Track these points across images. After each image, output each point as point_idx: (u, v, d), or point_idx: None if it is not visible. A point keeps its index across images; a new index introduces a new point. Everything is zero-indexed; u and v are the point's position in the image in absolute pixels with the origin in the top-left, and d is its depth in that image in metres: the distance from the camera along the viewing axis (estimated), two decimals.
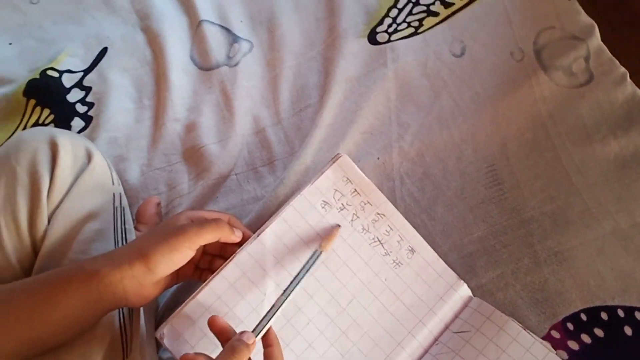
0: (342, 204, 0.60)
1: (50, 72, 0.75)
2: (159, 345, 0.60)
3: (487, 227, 0.64)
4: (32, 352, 0.53)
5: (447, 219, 0.65)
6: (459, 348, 0.57)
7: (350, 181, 0.60)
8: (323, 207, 0.60)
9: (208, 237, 0.53)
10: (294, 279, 0.53)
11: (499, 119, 0.69)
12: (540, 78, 0.70)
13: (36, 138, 0.56)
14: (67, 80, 0.75)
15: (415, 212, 0.65)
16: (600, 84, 0.69)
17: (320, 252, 0.55)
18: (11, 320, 0.50)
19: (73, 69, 0.76)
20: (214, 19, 0.78)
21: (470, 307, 0.59)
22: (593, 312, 0.59)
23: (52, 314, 0.51)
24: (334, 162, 0.60)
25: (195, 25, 0.78)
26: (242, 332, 0.49)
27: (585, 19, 0.73)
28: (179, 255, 0.52)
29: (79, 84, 0.74)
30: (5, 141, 0.70)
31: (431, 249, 0.59)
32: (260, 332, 0.49)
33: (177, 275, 0.57)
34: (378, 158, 0.68)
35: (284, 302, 0.51)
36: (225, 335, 0.50)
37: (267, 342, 0.50)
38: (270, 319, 0.50)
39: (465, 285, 0.59)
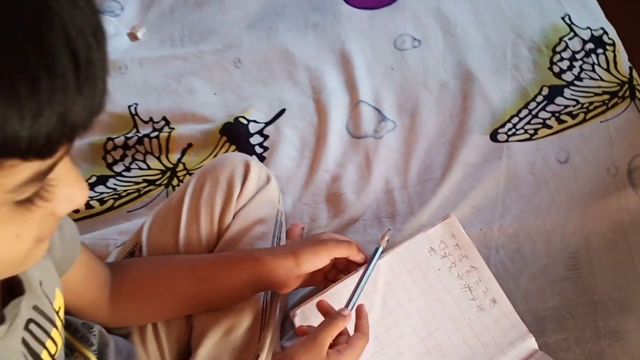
0: (445, 252, 0.77)
1: (241, 119, 0.99)
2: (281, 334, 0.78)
3: (561, 300, 0.77)
4: (201, 307, 0.73)
5: (529, 287, 0.79)
6: None
7: (454, 237, 0.77)
8: (429, 252, 0.77)
9: (341, 251, 0.72)
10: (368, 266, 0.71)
11: (587, 218, 0.83)
12: (628, 192, 0.84)
13: (236, 159, 0.78)
14: (252, 128, 0.98)
15: (503, 277, 0.80)
16: None
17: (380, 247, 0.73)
18: (196, 277, 0.71)
19: (258, 120, 0.99)
20: (370, 101, 1.00)
21: (535, 357, 0.72)
22: None
23: (224, 281, 0.71)
24: (444, 220, 0.78)
25: (355, 103, 1.00)
26: (340, 309, 0.66)
27: None
28: (319, 259, 0.71)
29: (260, 132, 0.98)
30: (202, 162, 0.94)
31: (510, 305, 0.74)
32: (353, 306, 0.66)
33: (311, 278, 0.75)
34: (481, 229, 0.84)
35: (365, 283, 0.69)
36: (328, 314, 0.68)
37: (359, 314, 0.67)
38: (359, 295, 0.67)
39: (533, 339, 0.73)
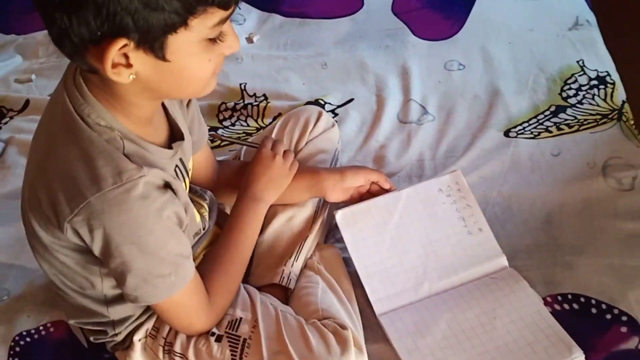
0: (449, 193, 1.06)
1: (320, 100, 1.34)
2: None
3: (533, 240, 1.05)
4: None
5: (512, 231, 1.07)
6: (478, 295, 0.97)
7: (457, 184, 1.07)
8: (438, 191, 1.07)
9: (375, 176, 1.04)
10: None
11: (565, 192, 1.10)
12: (599, 180, 1.11)
13: (314, 108, 1.13)
14: (327, 107, 1.33)
15: (494, 223, 1.06)
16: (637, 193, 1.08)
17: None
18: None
19: (332, 103, 1.34)
20: (418, 100, 1.33)
21: (504, 271, 0.99)
22: None
23: (292, 183, 1.02)
24: (452, 172, 1.08)
25: (407, 100, 1.33)
26: None
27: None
28: (359, 177, 1.03)
29: (332, 111, 1.32)
30: None
31: (492, 234, 1.02)
32: None
33: (352, 197, 1.06)
34: (484, 191, 1.13)
35: None
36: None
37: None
38: None
39: (505, 258, 1.00)
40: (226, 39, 0.70)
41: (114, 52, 0.62)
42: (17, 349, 1.00)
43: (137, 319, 0.90)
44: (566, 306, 0.96)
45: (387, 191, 1.07)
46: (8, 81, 1.55)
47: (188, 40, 0.65)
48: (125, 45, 0.62)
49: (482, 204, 1.10)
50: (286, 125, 1.10)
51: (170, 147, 0.81)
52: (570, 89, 1.30)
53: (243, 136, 1.31)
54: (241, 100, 1.39)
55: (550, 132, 1.22)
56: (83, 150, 0.71)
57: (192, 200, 0.92)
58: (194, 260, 0.86)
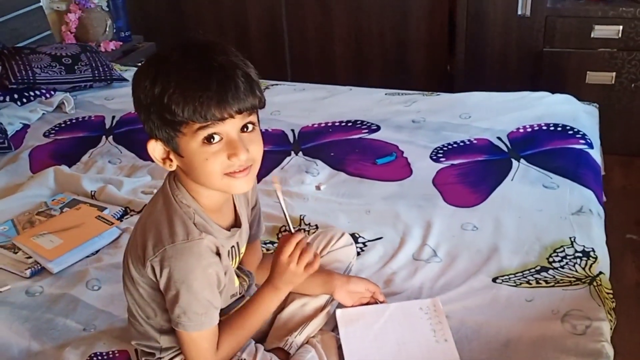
0: (428, 312, 1.38)
1: (356, 234, 1.72)
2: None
3: None
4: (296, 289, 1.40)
5: (475, 348, 1.34)
6: None
7: (435, 306, 1.38)
8: (419, 309, 1.38)
9: (372, 287, 1.39)
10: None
11: (527, 329, 1.37)
12: (557, 322, 1.37)
13: (336, 229, 1.51)
14: (360, 240, 1.70)
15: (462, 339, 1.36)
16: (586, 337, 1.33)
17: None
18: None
19: (365, 237, 1.72)
20: (432, 245, 1.67)
21: None
22: None
23: (310, 278, 1.37)
24: (433, 298, 1.40)
25: (423, 245, 1.68)
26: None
27: None
28: (361, 285, 1.38)
29: (364, 243, 1.70)
30: None
31: (454, 346, 1.30)
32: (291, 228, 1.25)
33: (353, 303, 1.39)
34: (463, 316, 1.42)
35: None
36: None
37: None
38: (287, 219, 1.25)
39: None
40: (227, 148, 1.05)
41: (154, 149, 1.08)
42: None
43: (177, 350, 1.26)
44: None
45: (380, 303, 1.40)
46: (136, 192, 2.06)
47: (187, 143, 1.04)
48: (158, 144, 1.08)
49: (458, 324, 1.39)
50: (316, 238, 1.49)
51: (229, 230, 1.21)
52: (557, 256, 1.60)
53: None
54: (298, 226, 1.80)
55: (530, 284, 1.51)
56: (169, 215, 1.14)
57: (237, 274, 1.30)
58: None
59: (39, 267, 1.70)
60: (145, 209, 1.22)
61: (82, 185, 2.03)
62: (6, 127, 2.40)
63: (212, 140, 1.04)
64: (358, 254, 1.66)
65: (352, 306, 1.39)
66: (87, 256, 1.74)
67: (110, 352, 1.40)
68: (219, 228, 1.18)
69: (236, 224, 1.25)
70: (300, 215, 1.84)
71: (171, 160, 1.11)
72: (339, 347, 1.34)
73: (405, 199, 1.90)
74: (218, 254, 1.15)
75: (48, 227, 1.80)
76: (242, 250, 1.30)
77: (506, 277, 1.55)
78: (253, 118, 1.10)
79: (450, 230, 1.74)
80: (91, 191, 2.01)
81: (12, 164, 2.24)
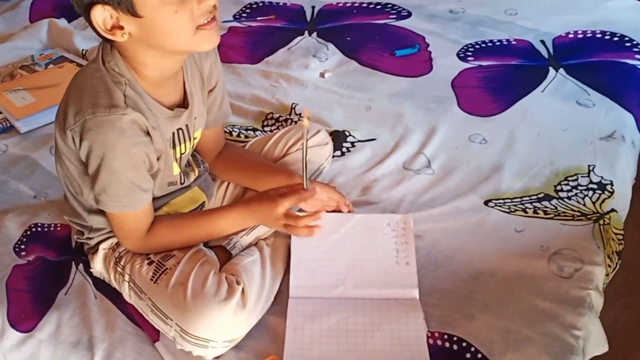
0: (395, 229, 1.21)
1: (346, 132, 1.53)
2: None
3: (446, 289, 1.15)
4: (253, 185, 1.25)
5: (441, 276, 1.18)
6: (377, 309, 1.10)
7: (405, 224, 1.21)
8: (387, 224, 1.22)
9: (337, 196, 1.23)
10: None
11: (505, 263, 1.20)
12: (543, 261, 1.19)
13: (315, 125, 1.32)
14: (350, 139, 1.52)
15: (428, 267, 1.20)
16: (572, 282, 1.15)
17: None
18: (259, 168, 1.24)
19: (355, 136, 1.53)
20: (427, 153, 1.48)
21: (411, 302, 1.11)
22: None
23: (270, 176, 1.21)
24: (405, 215, 1.22)
25: (418, 153, 1.48)
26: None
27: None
28: (323, 193, 1.20)
29: (352, 143, 1.51)
30: None
31: (415, 270, 1.14)
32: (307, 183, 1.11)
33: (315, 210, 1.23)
34: (437, 238, 1.25)
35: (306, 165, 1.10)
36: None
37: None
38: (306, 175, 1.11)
39: (417, 290, 1.12)
40: None
41: (101, 16, 0.89)
42: (29, 232, 1.29)
43: (107, 233, 1.15)
44: (447, 344, 1.06)
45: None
46: None
47: None
48: (106, 10, 0.88)
49: (429, 247, 1.23)
50: (287, 132, 1.32)
51: (172, 110, 1.05)
52: (567, 184, 1.38)
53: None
54: (287, 115, 1.62)
55: (526, 212, 1.31)
56: (95, 82, 0.98)
57: (188, 163, 1.16)
58: (168, 206, 1.12)
59: (8, 125, 1.60)
60: (76, 74, 1.07)
61: (74, 42, 1.89)
62: None
63: None
64: (343, 154, 1.49)
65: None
66: None
67: (52, 225, 1.31)
68: (157, 105, 1.02)
69: (184, 104, 1.09)
70: (292, 104, 1.66)
71: (122, 28, 0.92)
72: (289, 254, 1.20)
73: (415, 99, 1.67)
74: (148, 134, 1.00)
75: (24, 82, 1.69)
76: (196, 135, 1.15)
77: (501, 200, 1.35)
78: None
79: (454, 140, 1.53)
80: (82, 50, 1.88)
81: (11, 12, 2.12)
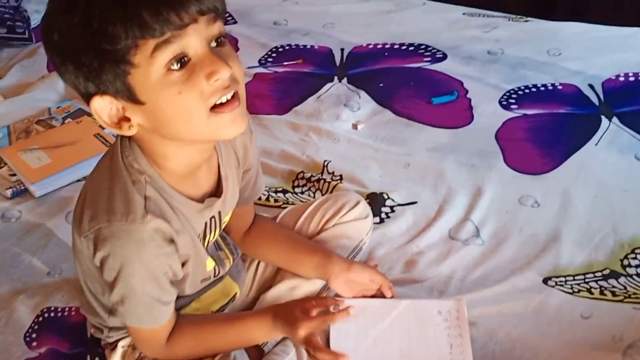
0: (447, 318, 1.07)
1: (384, 195, 1.41)
2: None
3: None
4: (288, 267, 1.12)
5: None
6: None
7: (458, 313, 1.07)
8: (437, 313, 1.08)
9: (379, 279, 1.09)
10: None
11: (574, 358, 1.05)
12: (616, 356, 1.04)
13: (354, 195, 1.20)
14: (388, 202, 1.39)
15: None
16: None
17: None
18: (294, 246, 1.11)
19: (394, 200, 1.40)
20: (476, 221, 1.34)
21: None
22: None
23: (306, 257, 1.08)
24: (458, 300, 1.09)
25: (464, 219, 1.35)
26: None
27: None
28: (364, 275, 1.09)
29: (391, 207, 1.38)
30: None
31: None
32: None
33: (354, 294, 1.10)
34: (494, 326, 1.11)
35: None
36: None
37: None
38: None
39: None
40: (202, 68, 0.72)
41: (102, 108, 0.75)
42: (41, 318, 1.18)
43: (127, 332, 1.02)
44: None
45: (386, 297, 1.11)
46: None
47: (145, 77, 0.71)
48: (105, 100, 0.74)
49: (486, 337, 1.09)
50: (323, 203, 1.19)
51: (202, 202, 0.91)
52: (635, 258, 1.24)
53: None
54: (319, 174, 1.50)
55: (592, 293, 1.17)
56: (111, 183, 0.84)
57: (219, 247, 1.03)
58: (197, 302, 1.00)
59: (22, 188, 1.50)
60: (94, 168, 0.94)
61: None
62: (30, 16, 2.17)
63: (179, 63, 0.72)
64: (382, 220, 1.36)
65: (352, 297, 1.10)
66: (77, 180, 1.51)
67: (67, 309, 1.20)
68: (185, 200, 0.88)
69: (217, 191, 0.96)
70: (325, 161, 1.54)
71: (128, 120, 0.78)
72: (328, 345, 1.07)
73: (457, 154, 1.55)
74: (172, 241, 0.87)
75: (40, 141, 1.59)
76: (226, 219, 1.02)
77: (562, 278, 1.21)
78: (222, 28, 0.76)
79: (503, 202, 1.40)
80: None
81: (29, 59, 2.02)
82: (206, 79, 0.73)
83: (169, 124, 0.77)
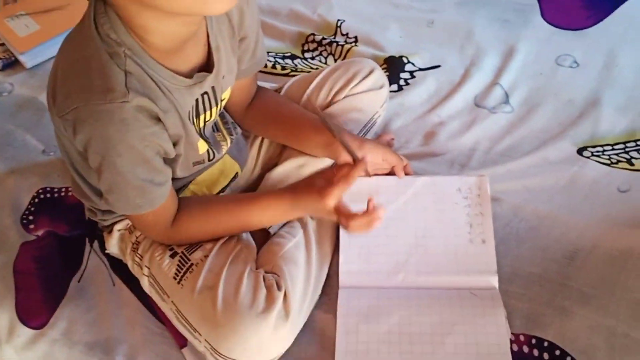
0: (467, 196, 0.98)
1: (404, 58, 1.26)
2: None
3: (541, 272, 0.93)
4: (293, 143, 1.01)
5: (524, 254, 0.95)
6: (446, 305, 0.89)
7: (479, 190, 0.97)
8: (457, 190, 0.98)
9: (394, 159, 0.99)
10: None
11: (608, 237, 0.96)
12: None
13: (367, 62, 1.06)
14: (408, 67, 1.25)
15: (510, 238, 0.97)
16: None
17: None
18: (299, 120, 0.99)
19: (415, 64, 1.26)
20: (505, 86, 1.20)
21: (489, 292, 0.90)
22: None
23: (313, 135, 0.96)
24: (479, 176, 0.98)
25: (493, 84, 1.20)
26: None
27: None
28: (377, 153, 0.98)
29: (411, 72, 1.24)
30: None
31: (494, 249, 0.92)
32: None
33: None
34: (520, 202, 1.01)
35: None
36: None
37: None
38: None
39: (496, 278, 0.90)
40: None
41: None
42: (37, 200, 1.12)
43: (121, 215, 0.95)
44: (535, 352, 0.85)
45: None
46: None
47: None
48: None
49: (509, 214, 1.00)
50: (334, 72, 1.05)
51: (191, 77, 0.79)
52: None
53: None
54: (332, 36, 1.35)
55: (632, 164, 1.05)
56: (85, 57, 0.72)
57: (217, 128, 0.92)
58: (194, 184, 0.93)
59: (12, 58, 1.39)
60: (65, 37, 0.81)
61: None
62: None
63: None
64: (400, 88, 1.23)
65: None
66: None
67: (63, 189, 1.13)
68: (171, 75, 0.76)
69: (208, 64, 0.83)
70: (338, 21, 1.38)
71: None
72: (338, 229, 0.99)
73: (488, 9, 1.37)
74: (159, 120, 0.76)
75: (27, 6, 1.45)
76: (224, 96, 0.90)
77: (600, 148, 1.08)
78: None
79: (538, 63, 1.24)
80: None
81: None
82: None
83: None
